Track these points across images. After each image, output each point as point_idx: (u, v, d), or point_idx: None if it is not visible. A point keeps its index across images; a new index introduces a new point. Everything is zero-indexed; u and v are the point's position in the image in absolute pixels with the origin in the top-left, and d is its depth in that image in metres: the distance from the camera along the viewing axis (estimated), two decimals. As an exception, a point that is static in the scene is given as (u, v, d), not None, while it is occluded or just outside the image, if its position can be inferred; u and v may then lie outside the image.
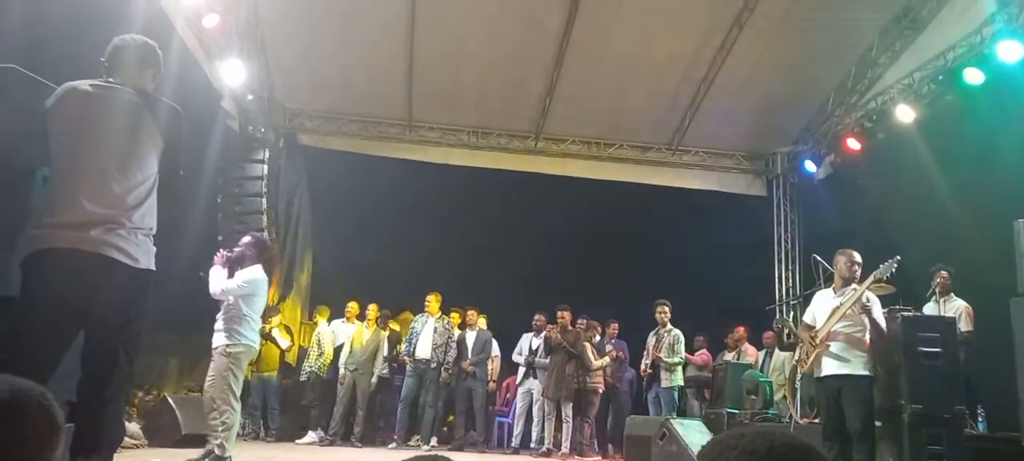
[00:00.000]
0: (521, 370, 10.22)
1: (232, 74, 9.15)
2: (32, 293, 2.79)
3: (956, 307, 6.85)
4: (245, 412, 8.42)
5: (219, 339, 5.85)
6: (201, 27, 8.52)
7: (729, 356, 10.22)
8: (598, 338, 9.94)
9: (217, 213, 10.16)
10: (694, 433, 6.29)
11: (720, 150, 12.03)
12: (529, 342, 10.18)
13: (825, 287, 5.95)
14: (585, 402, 9.61)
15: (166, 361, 9.66)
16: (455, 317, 10.44)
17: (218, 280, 5.84)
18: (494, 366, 10.46)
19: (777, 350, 9.67)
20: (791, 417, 6.67)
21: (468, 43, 10.00)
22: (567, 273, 12.11)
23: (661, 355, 9.43)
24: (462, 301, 10.68)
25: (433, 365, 9.79)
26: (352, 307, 10.53)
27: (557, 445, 9.59)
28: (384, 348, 10.27)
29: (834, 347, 5.37)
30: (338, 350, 10.24)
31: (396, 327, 10.96)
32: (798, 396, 6.80)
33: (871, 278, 5.40)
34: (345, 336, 10.26)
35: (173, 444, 7.33)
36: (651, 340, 9.66)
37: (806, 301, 6.53)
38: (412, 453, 1.55)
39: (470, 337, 10.18)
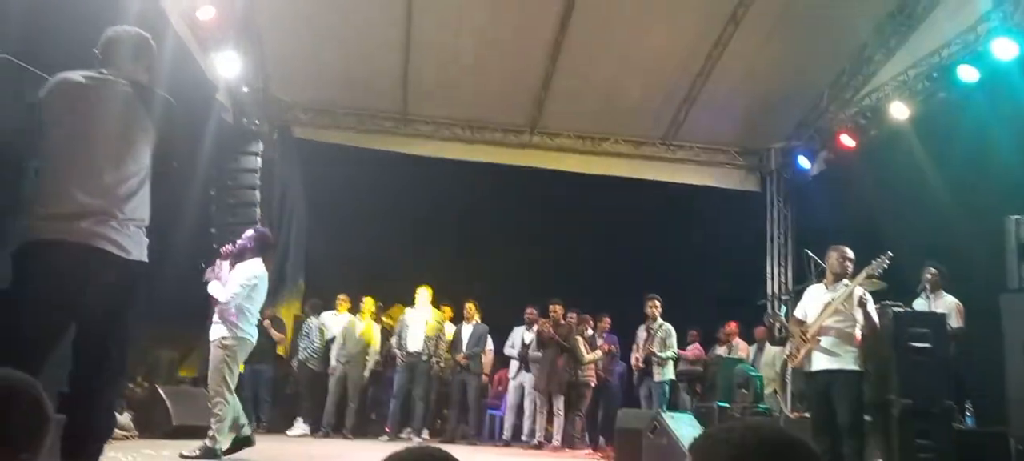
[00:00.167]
0: (513, 363, 10.24)
1: (227, 66, 9.13)
2: (23, 284, 2.79)
3: (947, 303, 6.89)
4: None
5: (216, 331, 5.86)
6: (196, 19, 8.48)
7: (720, 350, 10.28)
8: (590, 332, 9.97)
9: (211, 205, 10.13)
10: (685, 426, 6.31)
11: (714, 145, 12.04)
12: (521, 335, 10.20)
13: (817, 282, 5.98)
14: (577, 395, 9.64)
15: (158, 353, 9.62)
16: (447, 310, 10.46)
17: (220, 291, 5.84)
18: (487, 359, 10.48)
19: (768, 345, 9.72)
20: (781, 411, 6.70)
21: (463, 36, 9.98)
22: (559, 267, 12.13)
23: (654, 349, 9.46)
24: (454, 294, 10.69)
25: (424, 358, 9.81)
26: (342, 300, 10.53)
27: (548, 438, 9.62)
28: (377, 341, 10.28)
29: (825, 342, 5.40)
30: (329, 343, 10.24)
31: (389, 321, 10.97)
32: (788, 390, 6.85)
33: (863, 274, 5.44)
34: (336, 328, 10.26)
35: (164, 436, 7.31)
36: (641, 334, 9.69)
37: (798, 296, 6.55)
38: (402, 445, 1.55)
39: (466, 330, 10.19)
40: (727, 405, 7.97)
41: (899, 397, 5.43)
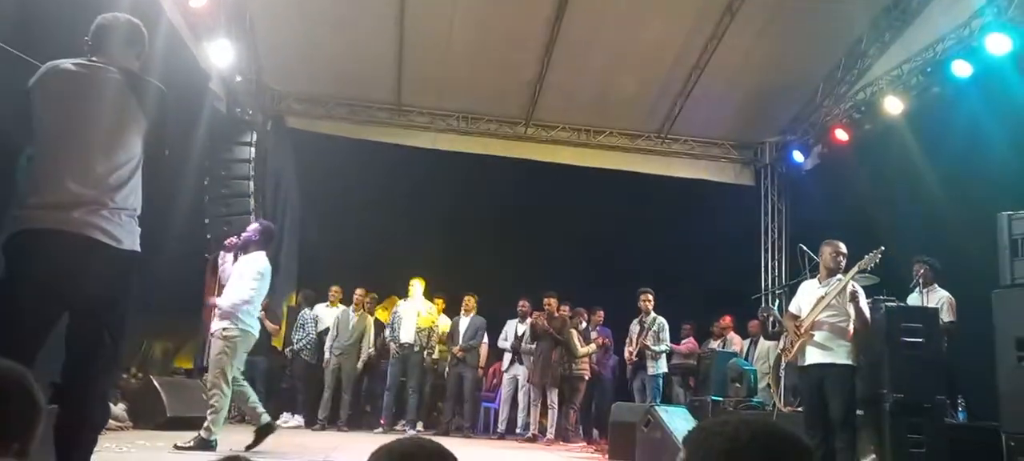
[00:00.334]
0: (507, 356, 10.26)
1: (220, 55, 9.08)
2: (15, 274, 2.77)
3: (939, 297, 6.92)
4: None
5: (218, 323, 5.86)
6: (189, 7, 8.44)
7: (715, 344, 10.30)
8: (584, 325, 9.99)
9: (204, 195, 10.10)
10: (679, 420, 6.33)
11: (709, 139, 12.06)
12: (514, 328, 10.21)
13: (811, 277, 6.00)
14: (571, 389, 9.66)
15: (152, 343, 9.61)
16: (439, 303, 10.46)
17: (228, 298, 5.84)
18: (482, 352, 10.49)
19: (762, 339, 9.74)
20: (775, 405, 6.73)
21: (458, 27, 9.94)
22: (553, 260, 12.14)
23: (647, 343, 9.47)
24: (448, 286, 10.70)
25: (416, 349, 9.83)
26: (335, 291, 10.52)
27: (542, 431, 9.64)
28: (371, 333, 10.28)
29: (818, 336, 5.41)
30: (322, 334, 10.24)
31: (383, 313, 10.97)
32: (782, 384, 6.87)
33: (855, 268, 5.45)
34: (329, 320, 10.26)
35: (158, 426, 7.31)
36: (634, 328, 9.70)
37: (792, 291, 6.57)
38: (396, 437, 1.55)
39: (463, 322, 10.19)
40: (721, 399, 7.99)
41: (891, 391, 5.45)
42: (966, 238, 7.09)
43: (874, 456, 5.55)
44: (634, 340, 9.62)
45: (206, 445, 5.62)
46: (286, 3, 9.62)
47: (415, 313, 9.98)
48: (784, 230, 11.88)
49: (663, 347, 9.54)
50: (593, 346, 9.89)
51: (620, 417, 7.36)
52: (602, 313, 10.54)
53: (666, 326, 9.61)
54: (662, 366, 9.56)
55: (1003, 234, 5.67)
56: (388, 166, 11.80)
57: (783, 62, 10.20)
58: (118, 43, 3.08)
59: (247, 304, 5.84)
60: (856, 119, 10.11)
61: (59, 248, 2.77)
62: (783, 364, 6.24)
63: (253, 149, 10.49)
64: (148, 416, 7.54)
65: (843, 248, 5.57)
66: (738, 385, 8.06)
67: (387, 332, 10.12)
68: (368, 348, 10.17)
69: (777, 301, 11.14)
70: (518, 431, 9.78)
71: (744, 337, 10.22)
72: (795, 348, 5.55)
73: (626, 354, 9.79)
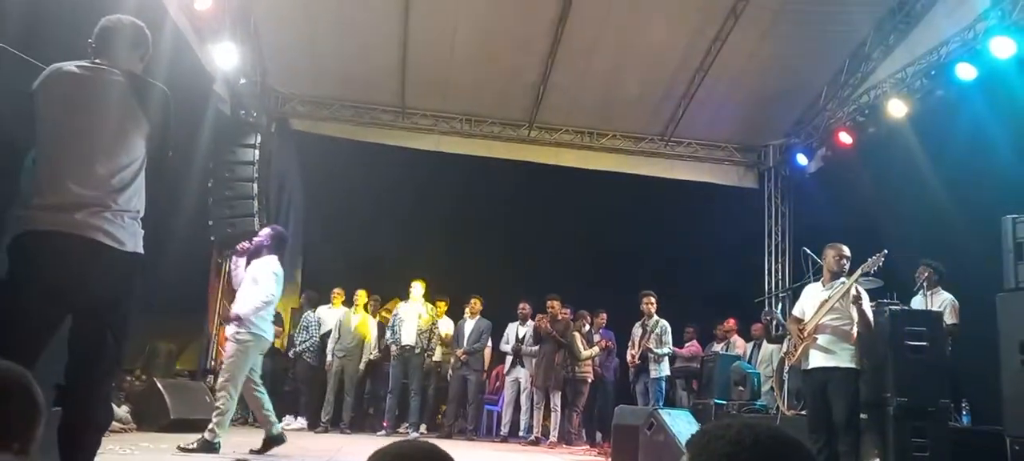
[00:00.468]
0: (508, 359, 10.25)
1: (224, 57, 9.10)
2: (18, 276, 2.77)
3: (943, 301, 6.90)
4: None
5: (231, 327, 5.88)
6: (194, 10, 8.46)
7: (718, 347, 10.29)
8: (587, 328, 9.97)
9: (208, 198, 10.11)
10: (682, 423, 6.31)
11: (713, 142, 12.05)
12: (516, 330, 10.21)
13: (814, 280, 5.99)
14: (574, 392, 9.65)
15: (155, 345, 9.62)
16: (441, 305, 10.45)
17: (256, 292, 5.86)
18: (486, 355, 10.48)
19: (765, 342, 9.72)
20: (778, 408, 6.71)
21: (462, 30, 9.96)
22: (556, 262, 12.13)
23: (651, 346, 9.46)
24: (450, 289, 10.70)
25: (417, 351, 9.83)
26: (337, 293, 10.52)
27: (545, 434, 9.63)
28: (373, 335, 10.28)
29: (821, 340, 5.41)
30: (325, 337, 10.24)
31: (386, 315, 10.97)
32: (785, 388, 6.85)
33: (859, 271, 5.44)
34: (332, 322, 10.26)
35: (162, 428, 7.31)
36: (637, 331, 9.68)
37: (795, 294, 6.56)
38: (396, 439, 1.55)
39: (468, 325, 10.18)
40: (724, 402, 7.98)
41: (895, 395, 5.44)
42: (970, 241, 7.08)
43: (878, 460, 5.54)
44: (636, 343, 9.59)
45: (210, 447, 5.63)
46: (291, 5, 9.64)
47: (416, 315, 9.98)
48: (788, 233, 11.87)
49: (665, 350, 9.51)
50: (596, 349, 9.88)
51: (623, 420, 7.34)
52: (605, 316, 10.52)
53: (669, 329, 9.58)
54: (665, 369, 9.53)
55: (1007, 237, 5.66)
56: (392, 168, 11.81)
57: (787, 65, 10.19)
58: (122, 46, 3.08)
59: (268, 305, 5.88)
60: (860, 122, 10.08)
61: (62, 250, 2.77)
62: (786, 367, 6.24)
63: (257, 151, 10.47)
64: (152, 418, 7.54)
65: (846, 251, 5.56)
66: (741, 388, 8.05)
67: (388, 334, 10.12)
68: (371, 350, 10.16)
69: (780, 304, 11.12)
70: (521, 434, 9.77)
71: (748, 340, 10.20)
72: (798, 351, 5.55)
73: (629, 357, 9.76)
